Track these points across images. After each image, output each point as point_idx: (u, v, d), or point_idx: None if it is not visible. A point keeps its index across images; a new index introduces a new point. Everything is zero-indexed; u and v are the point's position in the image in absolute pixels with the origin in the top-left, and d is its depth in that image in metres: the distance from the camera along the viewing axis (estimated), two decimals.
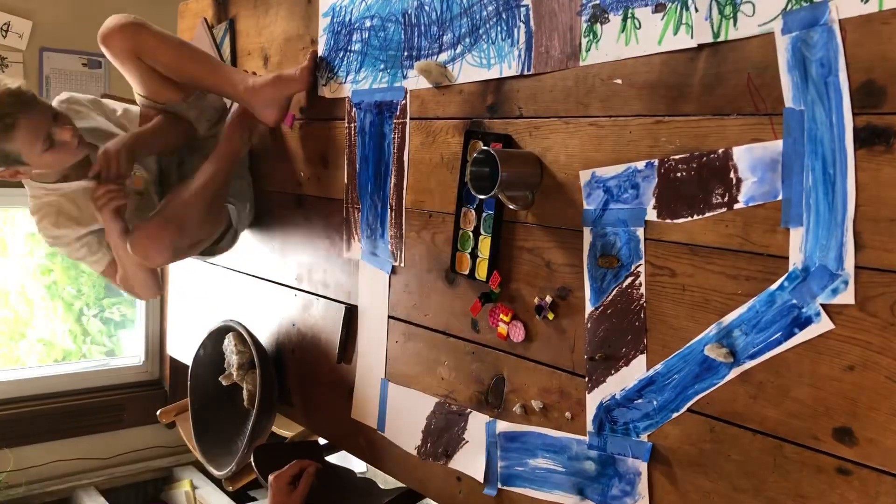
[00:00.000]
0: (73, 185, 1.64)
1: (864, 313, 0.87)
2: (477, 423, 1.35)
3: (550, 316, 1.21)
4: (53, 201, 1.65)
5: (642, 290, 1.09)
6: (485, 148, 1.19)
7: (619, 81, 1.11)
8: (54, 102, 1.63)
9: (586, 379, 1.17)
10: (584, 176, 1.15)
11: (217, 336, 1.94)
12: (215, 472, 1.87)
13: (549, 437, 1.23)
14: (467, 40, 1.34)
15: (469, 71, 1.33)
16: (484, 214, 1.31)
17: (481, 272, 1.32)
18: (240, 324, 1.85)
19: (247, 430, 1.76)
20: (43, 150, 1.48)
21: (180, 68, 1.69)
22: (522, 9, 1.24)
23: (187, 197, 1.61)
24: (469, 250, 1.34)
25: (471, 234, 1.34)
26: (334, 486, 1.70)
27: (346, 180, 1.64)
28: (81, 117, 1.66)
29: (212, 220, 1.70)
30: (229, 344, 1.89)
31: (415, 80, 1.45)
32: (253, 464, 1.75)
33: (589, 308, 1.16)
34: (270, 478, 1.48)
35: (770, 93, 0.93)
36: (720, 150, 0.99)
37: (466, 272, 1.34)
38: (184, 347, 2.28)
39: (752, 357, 0.97)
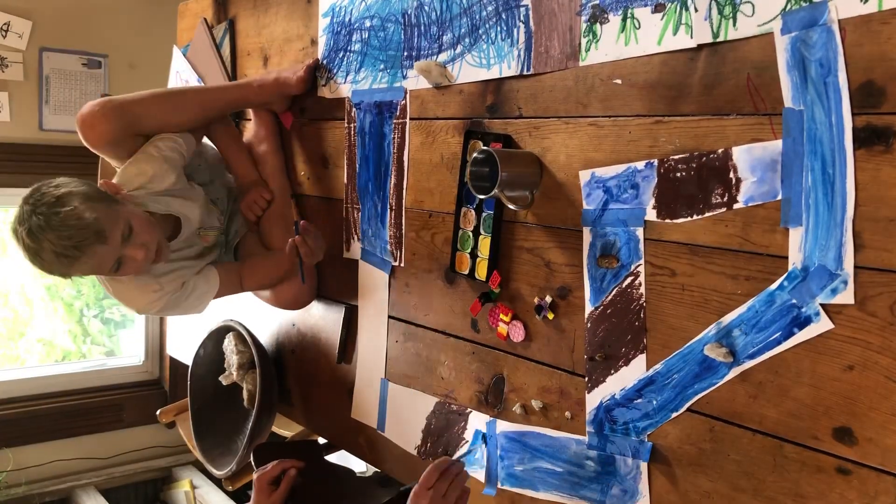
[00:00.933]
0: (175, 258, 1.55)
1: (863, 313, 0.87)
2: (477, 423, 1.35)
3: (550, 316, 1.21)
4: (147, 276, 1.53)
5: (642, 289, 1.09)
6: (485, 148, 1.19)
7: (619, 81, 1.11)
8: (131, 167, 1.50)
9: (586, 379, 1.17)
10: (584, 176, 1.15)
11: (217, 336, 1.94)
12: (215, 472, 1.87)
13: (548, 436, 1.23)
14: (467, 40, 1.34)
15: (469, 71, 1.34)
16: (484, 214, 1.31)
17: (481, 272, 1.32)
18: (240, 324, 1.85)
19: (247, 429, 1.76)
20: (112, 272, 1.40)
21: (182, 111, 1.60)
22: (522, 9, 1.24)
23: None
24: (469, 250, 1.34)
25: (470, 234, 1.34)
26: (332, 486, 1.70)
27: (345, 180, 1.64)
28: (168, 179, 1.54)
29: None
30: (229, 344, 1.89)
31: (415, 81, 1.45)
32: (253, 463, 1.75)
33: (589, 308, 1.16)
34: (254, 476, 1.50)
35: (769, 93, 0.94)
36: (720, 150, 0.99)
37: (466, 272, 1.34)
38: (183, 347, 2.27)
39: (752, 357, 0.97)
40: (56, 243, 1.30)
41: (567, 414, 1.20)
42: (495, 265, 1.30)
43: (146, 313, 1.59)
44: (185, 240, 1.59)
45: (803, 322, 0.92)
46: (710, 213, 1.00)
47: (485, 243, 1.31)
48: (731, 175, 0.98)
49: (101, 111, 1.47)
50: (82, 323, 3.36)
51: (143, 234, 1.41)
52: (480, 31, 1.31)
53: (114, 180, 1.51)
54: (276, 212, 1.72)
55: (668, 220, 1.05)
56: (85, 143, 1.51)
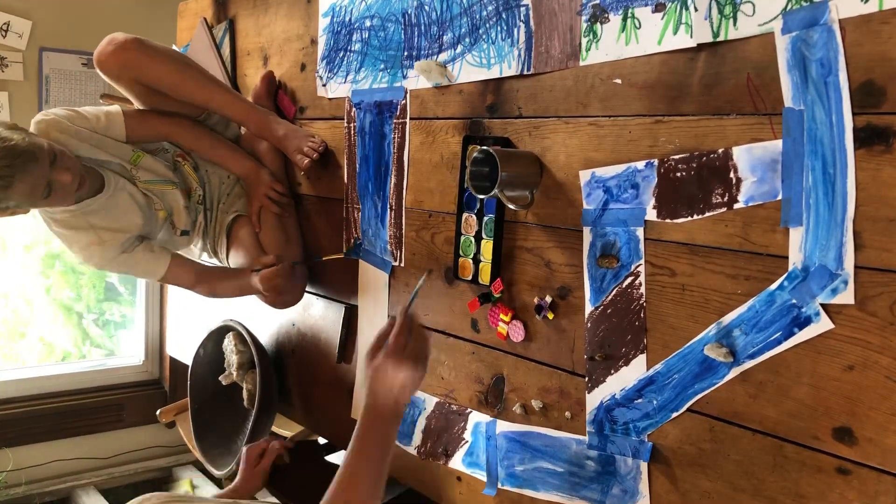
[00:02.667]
0: (95, 201, 1.57)
1: (863, 313, 0.87)
2: (477, 423, 1.35)
3: (550, 316, 1.21)
4: (82, 221, 1.57)
5: (642, 289, 1.09)
6: (484, 148, 1.19)
7: (619, 81, 1.11)
8: (32, 127, 1.55)
9: (586, 379, 1.17)
10: (584, 176, 1.15)
11: (217, 336, 1.94)
12: (215, 472, 1.87)
13: (548, 436, 1.23)
14: (467, 40, 1.34)
15: (469, 71, 1.34)
16: (485, 218, 1.31)
17: (484, 276, 1.31)
18: (240, 323, 1.85)
19: (246, 429, 1.76)
20: (43, 198, 1.44)
21: (185, 91, 1.65)
22: (522, 9, 1.24)
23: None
24: (471, 255, 1.34)
25: (472, 239, 1.33)
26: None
27: (345, 180, 1.64)
28: (72, 144, 1.58)
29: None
30: (229, 344, 1.89)
31: (415, 80, 1.45)
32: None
33: (589, 308, 1.16)
34: (243, 448, 1.52)
35: (770, 93, 0.94)
36: (720, 150, 0.99)
37: (469, 278, 1.34)
38: (183, 347, 2.28)
39: (752, 357, 0.97)
40: None
41: (567, 414, 1.20)
42: (498, 270, 1.29)
43: (89, 263, 1.64)
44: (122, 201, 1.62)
45: (803, 322, 0.92)
46: (711, 213, 1.00)
47: (487, 247, 1.31)
48: (732, 175, 0.98)
49: (131, 43, 1.56)
50: (82, 326, 3.36)
51: (67, 160, 1.46)
52: (481, 31, 1.31)
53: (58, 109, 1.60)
54: (274, 213, 1.73)
55: (668, 220, 1.05)
56: (98, 62, 1.57)
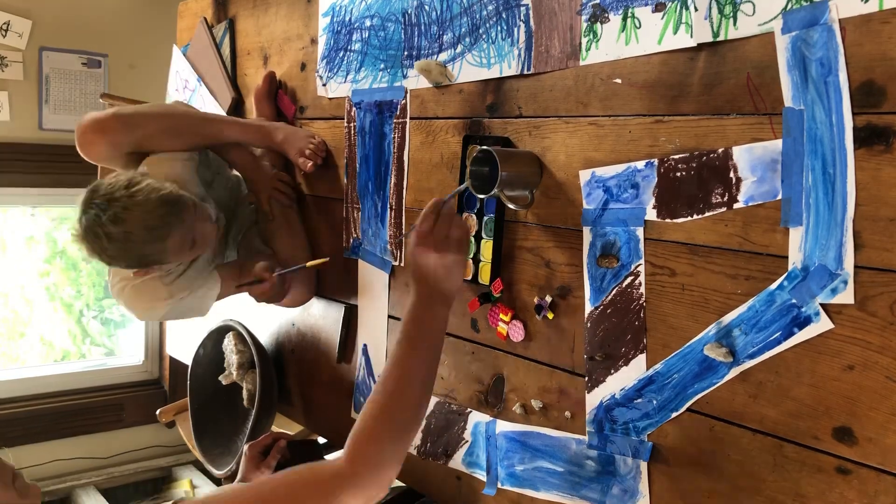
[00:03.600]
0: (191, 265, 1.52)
1: (863, 313, 0.87)
2: (477, 423, 1.35)
3: (550, 315, 1.21)
4: (156, 277, 1.49)
5: (642, 289, 1.09)
6: (484, 147, 1.19)
7: (619, 81, 1.11)
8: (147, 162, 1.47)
9: (586, 378, 1.17)
10: (584, 175, 1.15)
11: (217, 336, 1.94)
12: (215, 472, 1.87)
13: (548, 436, 1.23)
14: (467, 40, 1.34)
15: (469, 70, 1.33)
16: (485, 218, 1.31)
17: (484, 276, 1.31)
18: (240, 323, 1.85)
19: (246, 429, 1.76)
20: (189, 251, 1.42)
21: (181, 138, 1.57)
22: (522, 8, 1.24)
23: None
24: (471, 255, 1.34)
25: (472, 238, 1.33)
26: None
27: (345, 180, 1.64)
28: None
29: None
30: (229, 343, 1.89)
31: (415, 80, 1.45)
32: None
33: (589, 308, 1.16)
34: (245, 446, 1.52)
35: (770, 92, 0.94)
36: (720, 150, 0.99)
37: (469, 278, 1.34)
38: (183, 347, 2.27)
39: (752, 356, 0.97)
40: (146, 217, 1.31)
41: (567, 414, 1.20)
42: (498, 270, 1.29)
43: (148, 319, 1.58)
44: None
45: (803, 322, 0.92)
46: (711, 213, 1.00)
47: (487, 247, 1.31)
48: (732, 175, 0.98)
49: (115, 121, 1.45)
50: (81, 323, 3.36)
51: (203, 207, 1.43)
52: (481, 31, 1.31)
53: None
54: (280, 214, 1.72)
55: (668, 220, 1.05)
56: (84, 150, 1.47)
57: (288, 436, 1.54)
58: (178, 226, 1.36)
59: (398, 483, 1.59)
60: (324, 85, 1.68)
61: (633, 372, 1.11)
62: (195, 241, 1.42)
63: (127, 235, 1.31)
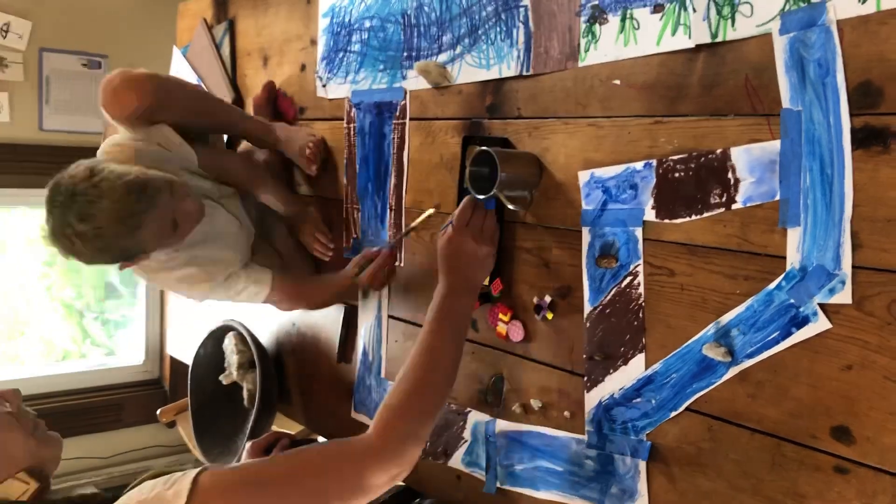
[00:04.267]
0: (195, 231, 1.42)
1: (861, 313, 0.87)
2: (476, 423, 1.35)
3: (549, 315, 1.22)
4: (183, 257, 1.45)
5: (641, 289, 1.09)
6: (484, 148, 1.19)
7: (618, 82, 1.11)
8: (106, 149, 1.38)
9: (585, 378, 1.17)
10: (583, 176, 1.16)
11: (217, 336, 1.94)
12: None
13: (548, 436, 1.23)
14: (466, 41, 1.34)
15: (468, 71, 1.34)
16: None
17: None
18: (240, 323, 1.85)
19: (247, 429, 1.76)
20: (171, 235, 1.32)
21: (205, 118, 1.56)
22: (521, 9, 1.24)
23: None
24: None
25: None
26: None
27: (345, 181, 1.64)
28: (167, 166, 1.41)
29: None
30: (229, 343, 1.89)
31: (414, 81, 1.45)
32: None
33: (588, 308, 1.16)
34: (247, 444, 1.51)
35: (768, 93, 0.94)
36: (718, 151, 0.99)
37: None
38: (183, 347, 2.28)
39: (750, 356, 0.97)
40: (114, 209, 1.20)
41: (566, 413, 1.20)
42: (498, 270, 1.30)
43: (197, 298, 1.54)
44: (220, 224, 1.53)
45: (801, 322, 0.92)
46: (709, 214, 1.01)
47: None
48: (730, 175, 0.98)
49: (147, 82, 1.39)
50: (82, 325, 3.36)
51: (182, 186, 1.34)
52: (480, 32, 1.31)
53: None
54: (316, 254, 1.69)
55: (666, 221, 1.06)
56: (110, 107, 1.39)
57: (290, 435, 1.54)
58: (151, 212, 1.25)
59: (398, 483, 1.59)
60: (323, 86, 1.68)
61: (631, 372, 1.11)
62: (177, 222, 1.31)
63: (98, 231, 1.21)
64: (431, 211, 1.40)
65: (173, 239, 1.35)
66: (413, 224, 1.43)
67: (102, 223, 1.21)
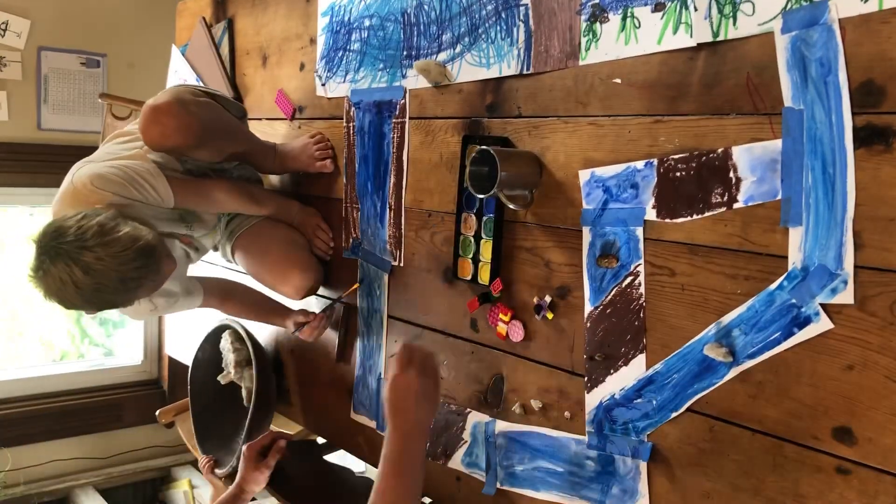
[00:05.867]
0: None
1: (863, 313, 0.87)
2: (476, 423, 1.35)
3: (549, 315, 1.21)
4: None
5: (641, 289, 1.09)
6: (484, 147, 1.19)
7: (619, 81, 1.10)
8: (94, 198, 1.35)
9: (585, 378, 1.17)
10: (584, 175, 1.15)
11: (214, 337, 1.93)
12: (217, 471, 1.87)
13: (548, 436, 1.23)
14: (466, 40, 1.34)
15: (468, 70, 1.33)
16: (484, 218, 1.31)
17: (484, 276, 1.31)
18: (235, 321, 1.85)
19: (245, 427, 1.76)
20: (152, 292, 1.38)
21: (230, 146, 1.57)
22: (522, 8, 1.23)
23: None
24: (471, 255, 1.34)
25: (472, 238, 1.33)
26: (330, 485, 1.70)
27: (344, 180, 1.64)
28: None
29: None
30: (226, 342, 1.89)
31: (414, 80, 1.45)
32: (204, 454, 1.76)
33: (588, 308, 1.16)
34: (244, 447, 1.51)
35: (769, 92, 0.93)
36: (719, 150, 0.99)
37: (469, 278, 1.34)
38: (182, 347, 2.27)
39: (752, 357, 0.97)
40: (122, 270, 1.23)
41: (566, 414, 1.20)
42: (498, 270, 1.29)
43: (135, 318, 1.64)
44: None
45: (803, 322, 0.92)
46: (710, 213, 1.00)
47: (486, 247, 1.30)
48: (731, 174, 0.98)
49: (197, 125, 1.39)
50: (80, 324, 3.36)
51: (168, 250, 1.39)
52: (480, 31, 1.31)
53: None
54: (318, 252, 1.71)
55: (667, 220, 1.05)
56: (148, 134, 1.38)
57: (287, 435, 1.54)
58: (153, 277, 1.30)
59: None
60: (323, 85, 1.68)
61: (632, 372, 1.10)
62: (160, 284, 1.37)
63: (98, 287, 1.23)
64: (356, 285, 1.59)
65: (152, 291, 1.40)
66: (341, 296, 1.62)
67: (106, 281, 1.23)
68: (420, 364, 1.11)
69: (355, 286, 1.60)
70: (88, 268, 1.21)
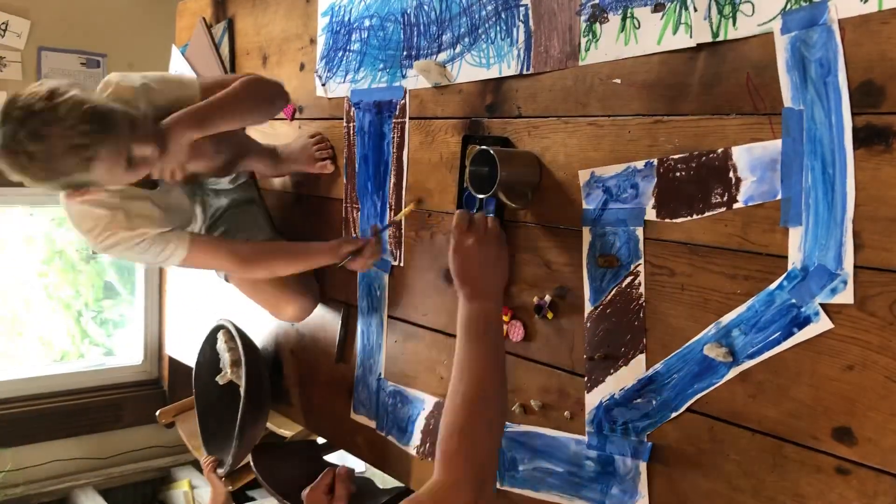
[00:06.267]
0: (150, 192, 1.41)
1: (863, 313, 0.87)
2: None
3: (549, 315, 1.21)
4: (116, 201, 1.39)
5: (641, 289, 1.09)
6: (484, 147, 1.19)
7: (619, 81, 1.11)
8: (100, 89, 1.33)
9: (585, 378, 1.17)
10: (584, 175, 1.15)
11: (211, 340, 1.93)
12: (219, 471, 1.87)
13: (548, 436, 1.23)
14: (466, 40, 1.34)
15: (468, 70, 1.33)
16: None
17: None
18: (227, 320, 1.85)
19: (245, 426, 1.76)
20: (123, 173, 1.25)
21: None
22: (521, 8, 1.24)
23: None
24: None
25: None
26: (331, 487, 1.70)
27: (345, 180, 1.64)
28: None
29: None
30: (221, 343, 1.89)
31: (414, 80, 1.45)
32: (252, 465, 1.75)
33: (588, 308, 1.16)
34: (304, 494, 1.47)
35: (769, 92, 0.93)
36: (719, 150, 0.99)
37: None
38: (182, 347, 2.27)
39: (752, 357, 0.97)
40: (69, 134, 1.14)
41: (566, 414, 1.20)
42: None
43: (96, 247, 1.43)
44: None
45: (803, 322, 0.92)
46: (710, 213, 1.00)
47: None
48: (731, 175, 0.98)
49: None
50: (80, 323, 3.36)
51: (146, 125, 1.27)
52: (480, 31, 1.31)
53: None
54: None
55: (667, 220, 1.05)
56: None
57: (336, 469, 1.51)
58: (107, 144, 1.17)
59: (398, 483, 1.59)
60: (323, 85, 1.68)
61: (632, 372, 1.10)
62: (131, 162, 1.23)
63: (48, 155, 1.15)
64: (412, 204, 1.41)
65: (122, 179, 1.28)
66: (397, 216, 1.45)
67: (54, 147, 1.15)
68: (479, 231, 1.09)
69: (411, 205, 1.42)
70: (35, 133, 1.13)
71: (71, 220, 1.44)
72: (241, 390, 1.75)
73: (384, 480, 1.80)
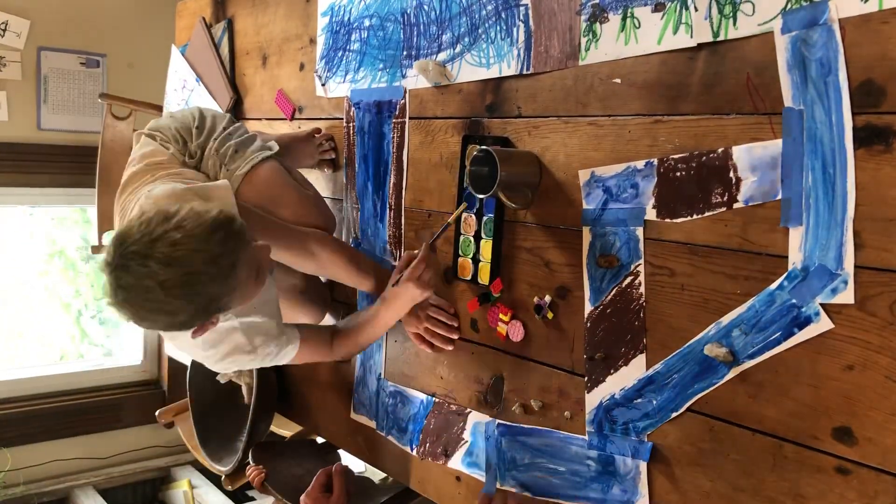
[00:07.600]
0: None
1: (863, 313, 0.87)
2: (476, 423, 1.35)
3: (550, 315, 1.21)
4: (231, 327, 1.28)
5: (641, 289, 1.09)
6: (484, 147, 1.19)
7: (619, 81, 1.10)
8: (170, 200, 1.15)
9: (585, 378, 1.17)
10: (584, 175, 1.15)
11: None
12: (219, 469, 1.88)
13: (548, 436, 1.23)
14: (466, 40, 1.34)
15: (468, 70, 1.33)
16: (484, 218, 1.31)
17: (483, 276, 1.31)
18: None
19: (247, 426, 1.76)
20: (253, 287, 1.12)
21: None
22: (522, 8, 1.23)
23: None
24: (471, 255, 1.34)
25: (472, 238, 1.33)
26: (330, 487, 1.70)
27: (344, 180, 1.64)
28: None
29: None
30: None
31: (414, 80, 1.45)
32: (251, 461, 1.75)
33: (588, 308, 1.16)
34: (301, 499, 1.47)
35: (769, 92, 0.93)
36: (719, 150, 0.99)
37: (469, 277, 1.34)
38: None
39: (752, 357, 0.97)
40: (206, 247, 1.02)
41: (567, 414, 1.20)
42: (498, 270, 1.29)
43: (213, 366, 1.33)
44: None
45: (803, 322, 0.92)
46: (710, 213, 1.00)
47: (486, 247, 1.30)
48: (731, 174, 0.98)
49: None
50: (80, 323, 3.35)
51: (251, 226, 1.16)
52: (480, 31, 1.31)
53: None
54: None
55: (667, 220, 1.05)
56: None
57: (338, 463, 1.51)
58: (243, 249, 1.07)
59: (397, 483, 1.59)
60: (323, 85, 1.68)
61: (632, 372, 1.10)
62: (259, 269, 1.13)
63: (189, 277, 1.00)
64: (464, 205, 1.31)
65: (255, 290, 1.15)
66: (449, 220, 1.32)
67: (194, 266, 1.01)
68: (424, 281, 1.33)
69: (463, 206, 1.31)
70: (169, 258, 0.99)
71: (181, 350, 1.33)
72: (253, 388, 1.74)
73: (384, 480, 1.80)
